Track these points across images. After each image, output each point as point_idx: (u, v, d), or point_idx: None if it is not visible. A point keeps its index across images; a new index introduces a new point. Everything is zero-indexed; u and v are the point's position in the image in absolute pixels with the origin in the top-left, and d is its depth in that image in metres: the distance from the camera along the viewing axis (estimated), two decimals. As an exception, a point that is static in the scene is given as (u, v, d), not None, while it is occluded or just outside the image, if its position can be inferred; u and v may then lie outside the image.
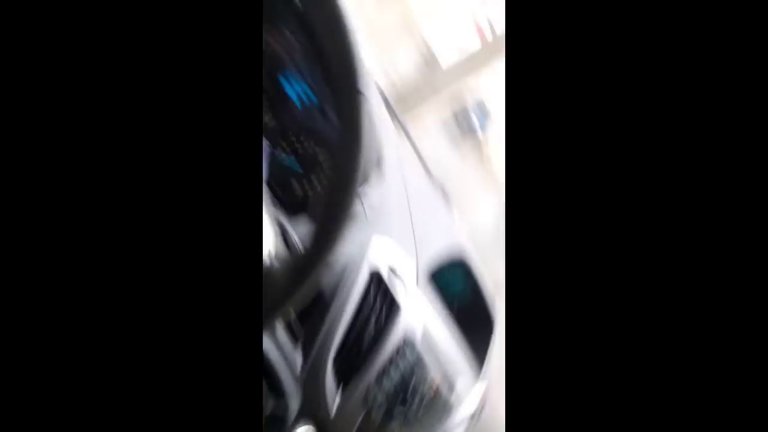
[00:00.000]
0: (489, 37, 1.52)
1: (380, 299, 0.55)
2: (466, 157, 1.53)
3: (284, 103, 0.52)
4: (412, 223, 0.61)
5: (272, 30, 0.48)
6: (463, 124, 1.53)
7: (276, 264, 0.40)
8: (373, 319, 0.55)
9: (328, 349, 0.54)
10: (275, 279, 0.39)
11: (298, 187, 0.55)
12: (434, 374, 0.57)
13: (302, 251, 0.39)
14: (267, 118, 0.53)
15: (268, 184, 0.53)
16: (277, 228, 0.44)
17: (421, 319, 0.58)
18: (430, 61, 1.51)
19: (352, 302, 0.54)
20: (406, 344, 0.56)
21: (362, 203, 0.58)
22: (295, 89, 0.52)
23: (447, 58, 1.51)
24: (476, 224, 1.37)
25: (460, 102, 1.53)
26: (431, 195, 0.69)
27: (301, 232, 0.47)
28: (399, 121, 0.80)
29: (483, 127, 1.54)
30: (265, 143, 0.53)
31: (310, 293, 0.38)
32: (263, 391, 0.54)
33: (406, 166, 0.64)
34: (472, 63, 1.44)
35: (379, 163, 0.50)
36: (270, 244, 0.41)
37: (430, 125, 1.49)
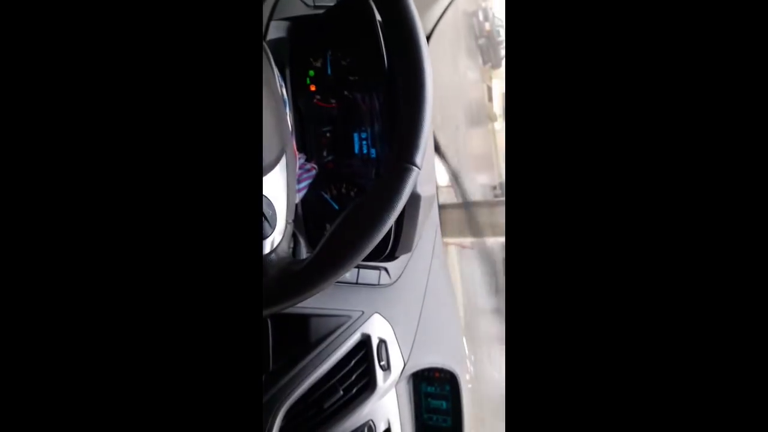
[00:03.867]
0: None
1: (360, 371, 0.52)
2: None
3: (350, 156, 0.56)
4: (418, 324, 0.59)
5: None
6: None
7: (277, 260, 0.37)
8: (344, 385, 0.51)
9: (286, 398, 0.49)
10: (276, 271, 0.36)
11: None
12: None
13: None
14: (329, 160, 0.57)
15: (301, 203, 0.54)
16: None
17: (391, 410, 0.53)
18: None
19: (333, 357, 0.51)
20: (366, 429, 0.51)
21: (385, 270, 0.57)
22: (361, 142, 0.56)
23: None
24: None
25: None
26: (447, 303, 0.68)
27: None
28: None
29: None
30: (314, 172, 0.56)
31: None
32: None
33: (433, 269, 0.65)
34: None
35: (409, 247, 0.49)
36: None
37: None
